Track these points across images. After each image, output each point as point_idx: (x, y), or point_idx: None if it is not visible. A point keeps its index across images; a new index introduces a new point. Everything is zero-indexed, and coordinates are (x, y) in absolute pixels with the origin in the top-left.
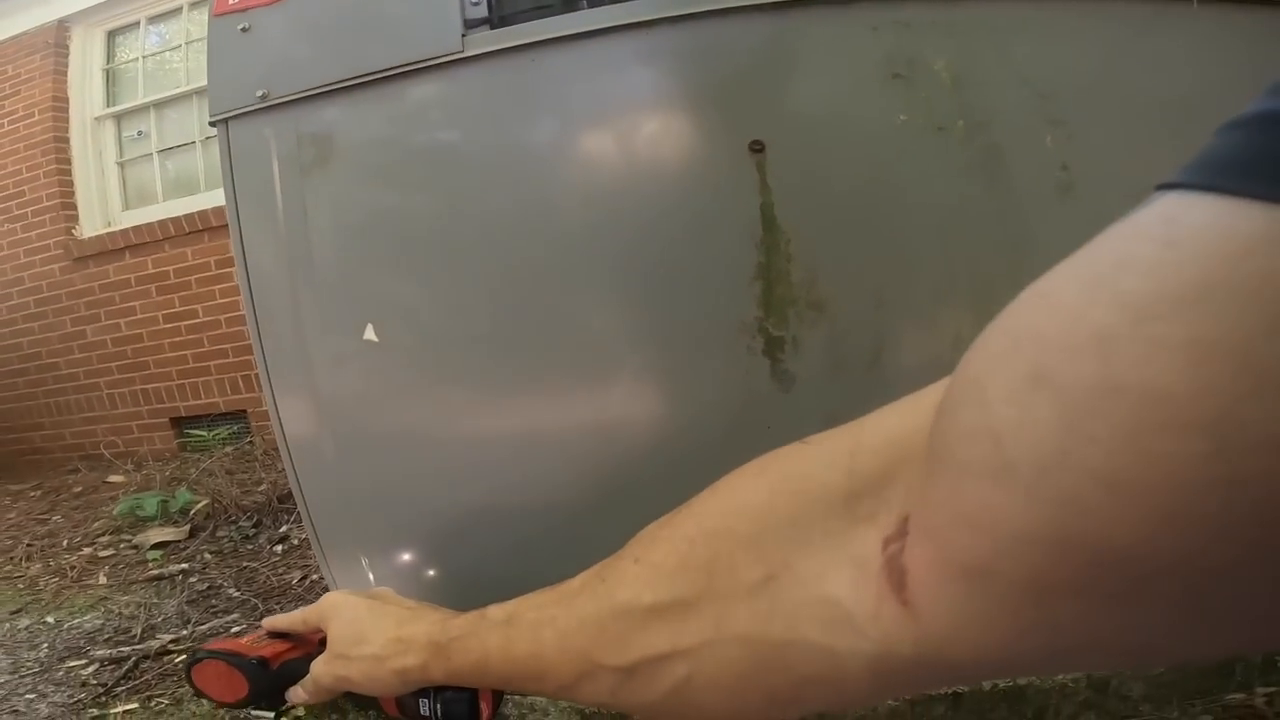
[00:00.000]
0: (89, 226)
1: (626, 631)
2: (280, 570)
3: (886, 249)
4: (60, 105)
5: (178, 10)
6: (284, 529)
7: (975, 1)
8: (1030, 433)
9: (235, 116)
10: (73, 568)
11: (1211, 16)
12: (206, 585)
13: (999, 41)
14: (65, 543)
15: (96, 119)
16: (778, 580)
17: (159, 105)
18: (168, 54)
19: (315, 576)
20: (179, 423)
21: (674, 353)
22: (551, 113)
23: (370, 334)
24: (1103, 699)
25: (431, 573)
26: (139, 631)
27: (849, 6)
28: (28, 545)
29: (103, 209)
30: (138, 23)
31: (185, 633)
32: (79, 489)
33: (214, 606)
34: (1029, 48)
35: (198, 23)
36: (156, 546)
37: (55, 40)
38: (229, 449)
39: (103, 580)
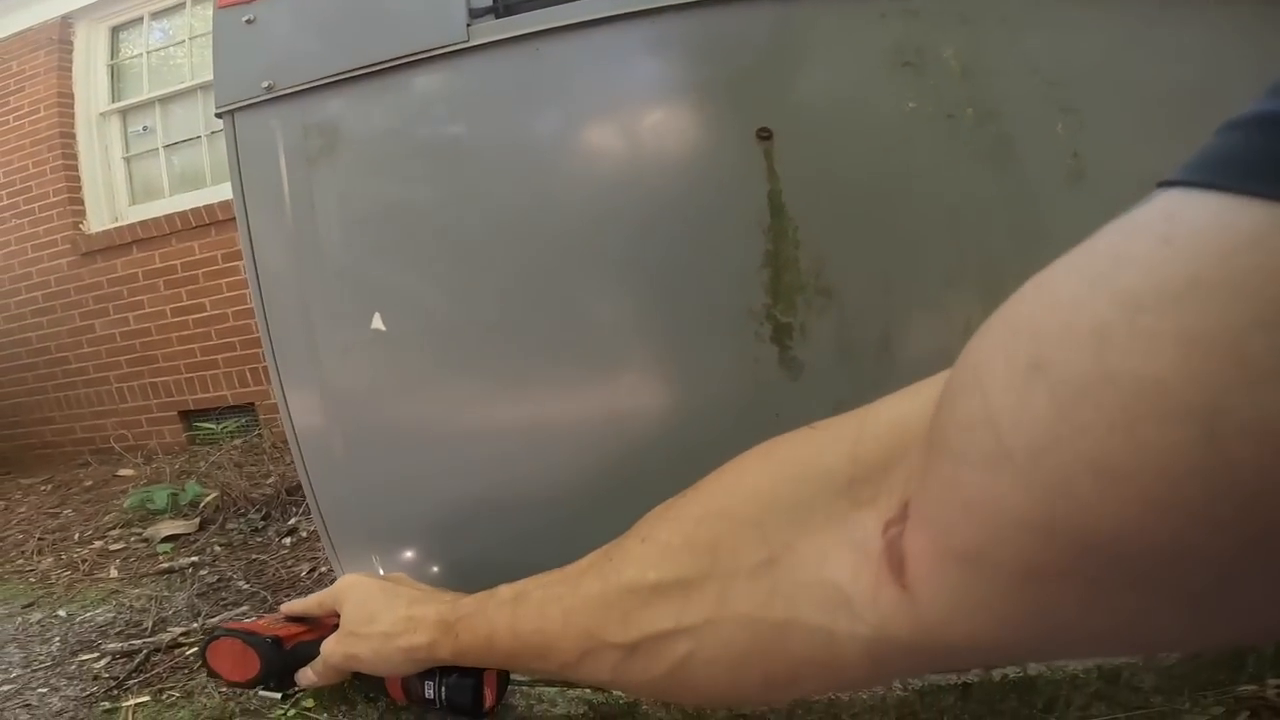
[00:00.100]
0: (96, 221)
1: (630, 609)
2: (289, 563)
3: (895, 236)
4: (65, 101)
5: (181, 5)
6: (292, 521)
7: None
8: (1026, 421)
9: (241, 108)
10: (84, 561)
11: (1221, 7)
12: (216, 578)
13: (1008, 30)
14: (76, 536)
15: (102, 114)
16: (780, 562)
17: (164, 100)
18: (171, 49)
19: (324, 569)
20: (188, 416)
21: (682, 340)
22: (557, 101)
23: (378, 323)
24: (1114, 690)
25: (441, 565)
26: (150, 624)
27: None
28: (39, 539)
29: (110, 204)
30: (141, 18)
31: (195, 625)
32: (89, 483)
33: (224, 599)
34: (1039, 36)
35: (201, 18)
36: (167, 540)
37: (59, 36)
38: (237, 442)
39: (114, 573)
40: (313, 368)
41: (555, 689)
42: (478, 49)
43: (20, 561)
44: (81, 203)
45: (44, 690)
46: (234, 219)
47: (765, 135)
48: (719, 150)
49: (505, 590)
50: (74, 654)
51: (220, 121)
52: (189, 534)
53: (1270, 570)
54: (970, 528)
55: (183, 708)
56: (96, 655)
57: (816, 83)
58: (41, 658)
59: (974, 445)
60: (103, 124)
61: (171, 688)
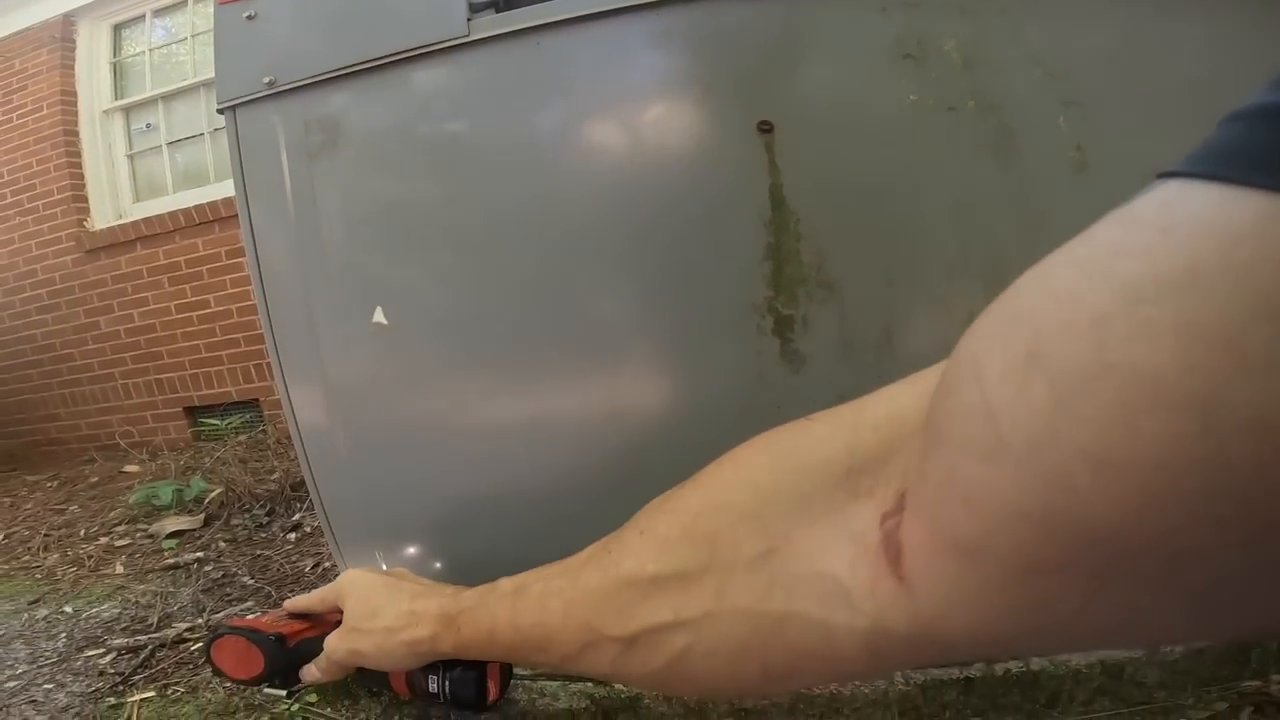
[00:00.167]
0: (100, 219)
1: (630, 601)
2: (294, 558)
3: (897, 228)
4: (69, 99)
5: (182, 3)
6: (297, 517)
7: None
8: (1024, 411)
9: (243, 104)
10: (90, 557)
11: None
12: (221, 573)
13: (1009, 22)
14: (82, 532)
15: (105, 112)
16: (778, 554)
17: (167, 98)
18: (174, 47)
19: (328, 564)
20: (192, 412)
21: (684, 333)
22: (558, 95)
23: (379, 316)
24: (1117, 685)
25: (445, 560)
26: (155, 620)
27: None
28: (45, 535)
29: (114, 201)
30: (143, 16)
31: (200, 621)
32: (95, 479)
33: (229, 595)
34: (1040, 28)
35: (203, 15)
36: (172, 535)
37: (61, 34)
38: (242, 438)
39: (119, 569)
40: (316, 363)
41: (557, 683)
42: (478, 43)
43: (26, 558)
44: (85, 200)
45: (50, 686)
46: (237, 215)
47: (766, 128)
48: (720, 144)
49: (506, 583)
50: (80, 650)
51: (223, 118)
52: (194, 530)
53: (1265, 565)
54: (967, 519)
55: (187, 703)
56: (102, 651)
57: (817, 76)
58: (48, 654)
59: (971, 435)
60: (106, 121)
61: (176, 683)
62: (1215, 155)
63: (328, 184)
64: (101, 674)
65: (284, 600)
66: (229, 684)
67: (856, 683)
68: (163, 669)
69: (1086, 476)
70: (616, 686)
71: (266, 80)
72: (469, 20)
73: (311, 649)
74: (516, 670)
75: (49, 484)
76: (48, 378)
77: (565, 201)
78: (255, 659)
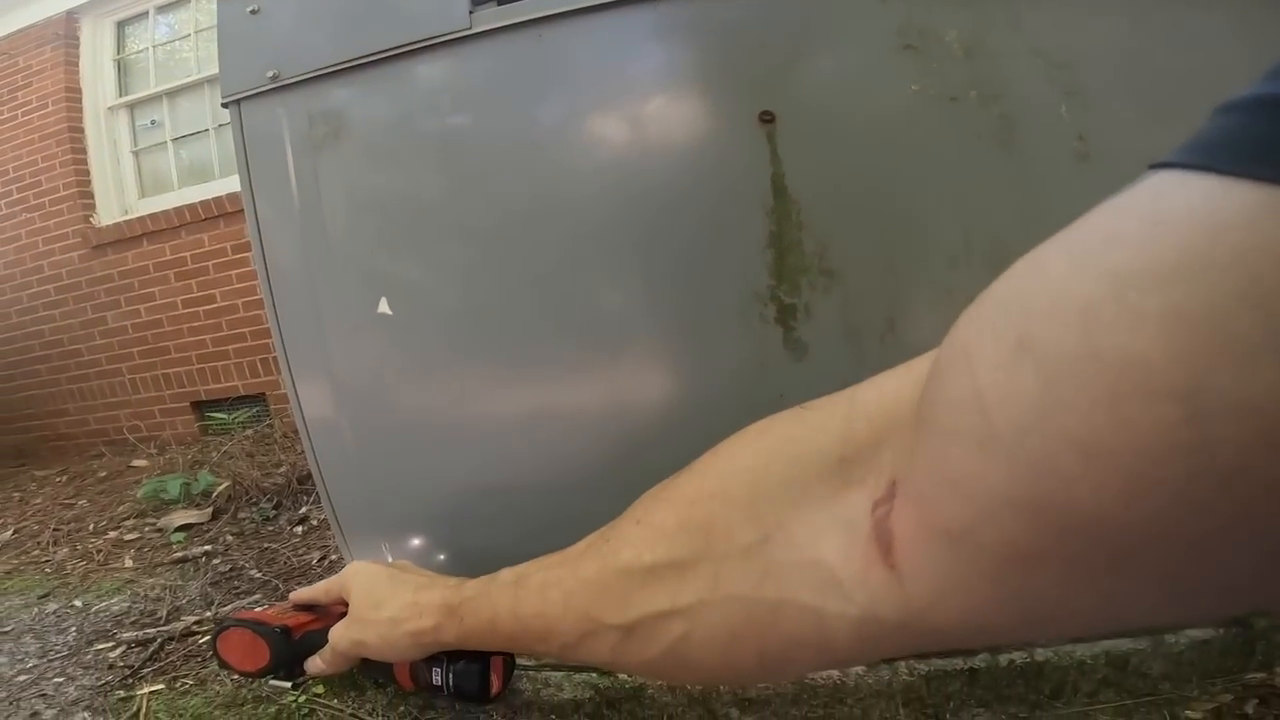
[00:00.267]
0: (106, 214)
1: (627, 590)
2: (300, 551)
3: (899, 218)
4: (73, 96)
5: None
6: (303, 510)
7: None
8: (1012, 398)
9: (247, 97)
10: (99, 551)
11: None
12: (229, 567)
13: (1011, 12)
14: (91, 527)
15: (110, 109)
16: (772, 542)
17: (171, 94)
18: (177, 43)
19: (335, 557)
20: (200, 406)
21: (687, 322)
22: (561, 87)
23: (384, 307)
24: (1121, 676)
25: (451, 551)
26: (164, 613)
27: None
28: (54, 530)
29: (119, 197)
30: (146, 12)
31: (209, 614)
32: (104, 473)
33: (236, 588)
34: (1041, 18)
35: (206, 11)
36: (180, 529)
37: (65, 32)
38: (249, 432)
39: (129, 563)
40: (322, 356)
41: (562, 673)
42: (481, 36)
43: (36, 552)
44: (91, 196)
45: (60, 680)
46: (242, 211)
47: (768, 119)
48: (722, 134)
49: (507, 573)
50: (90, 643)
51: (227, 114)
52: (202, 523)
53: (1246, 552)
54: (956, 506)
55: (196, 695)
56: (112, 644)
57: (819, 67)
58: (58, 647)
59: (961, 423)
60: (111, 118)
61: (185, 676)
62: (1206, 146)
63: (332, 177)
64: (111, 667)
65: (291, 592)
66: (235, 676)
67: (858, 671)
68: (171, 662)
69: (1073, 463)
70: (620, 676)
71: (270, 74)
72: (471, 13)
73: (317, 641)
74: (522, 660)
75: (58, 479)
76: (56, 373)
77: (568, 192)
78: (261, 651)
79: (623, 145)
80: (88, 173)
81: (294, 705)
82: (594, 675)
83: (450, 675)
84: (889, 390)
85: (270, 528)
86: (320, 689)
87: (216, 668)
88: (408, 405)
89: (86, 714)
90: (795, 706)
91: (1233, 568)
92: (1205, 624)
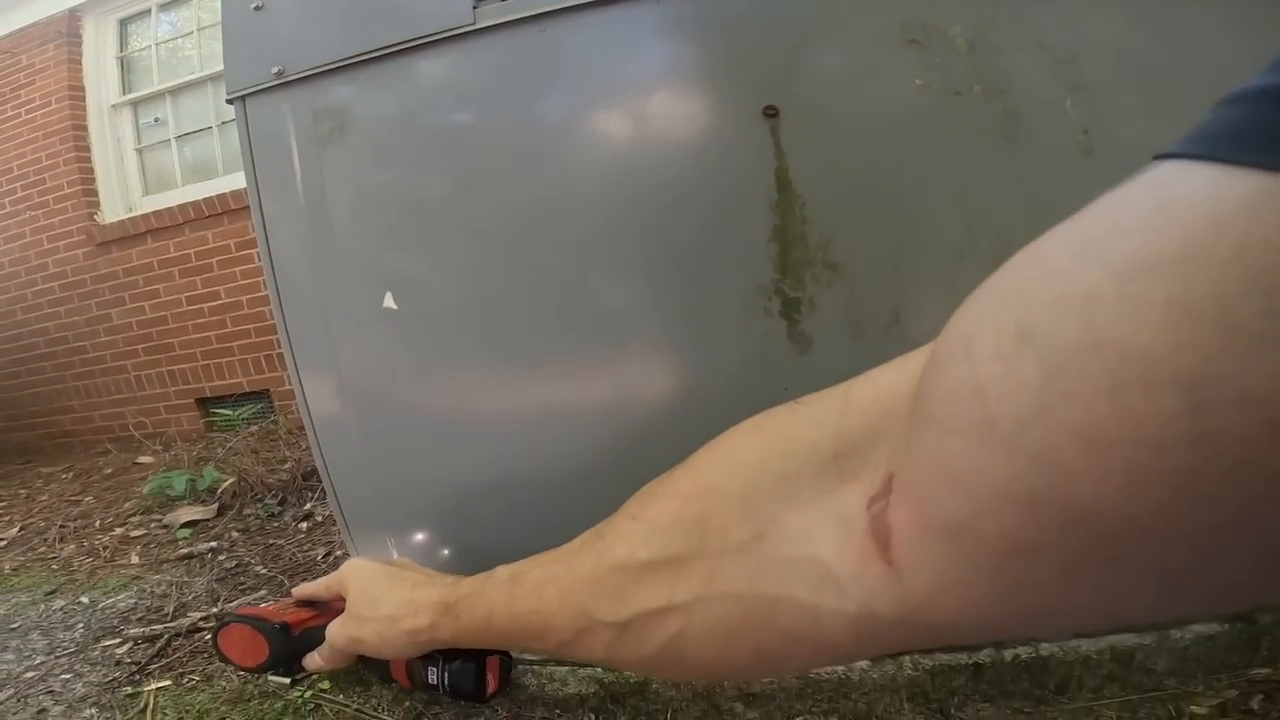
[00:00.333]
0: (110, 212)
1: (623, 587)
2: (306, 547)
3: (903, 212)
4: (77, 94)
5: None
6: (308, 506)
7: None
8: (1013, 388)
9: (252, 94)
10: (105, 548)
11: None
12: (234, 563)
13: (1014, 7)
14: (98, 523)
15: (113, 106)
16: (767, 538)
17: (174, 92)
18: (180, 41)
19: (340, 552)
20: (205, 403)
21: (691, 316)
22: (564, 82)
23: (389, 302)
24: (1127, 671)
25: (456, 546)
26: (171, 610)
27: None
28: (61, 526)
29: (123, 194)
30: (149, 10)
31: (215, 610)
32: (109, 470)
33: (242, 584)
34: (1045, 12)
35: (208, 9)
36: (186, 525)
37: (68, 30)
38: (254, 428)
39: (135, 559)
40: (327, 352)
41: (566, 668)
42: (484, 31)
43: (43, 549)
44: (95, 194)
45: (68, 676)
46: (246, 208)
47: (771, 113)
48: (726, 129)
49: (502, 571)
50: (97, 640)
51: (230, 112)
52: (207, 519)
53: (1248, 546)
54: (954, 500)
55: (203, 691)
56: (119, 641)
57: (822, 61)
58: (65, 644)
59: (960, 414)
60: (114, 116)
61: (192, 672)
62: (1210, 136)
63: (337, 172)
64: (118, 663)
65: (294, 588)
66: (238, 672)
67: (862, 666)
68: (178, 658)
69: (1074, 454)
70: (625, 672)
71: (275, 70)
72: (475, 9)
73: (316, 637)
74: (526, 655)
75: (64, 475)
76: (61, 370)
77: (572, 188)
78: (260, 647)
79: (626, 140)
80: (92, 170)
81: (300, 700)
82: (598, 670)
83: (445, 674)
84: (884, 384)
85: (275, 524)
86: (326, 684)
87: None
88: (414, 401)
89: (94, 710)
90: (799, 701)
91: (1234, 562)
92: (1205, 619)
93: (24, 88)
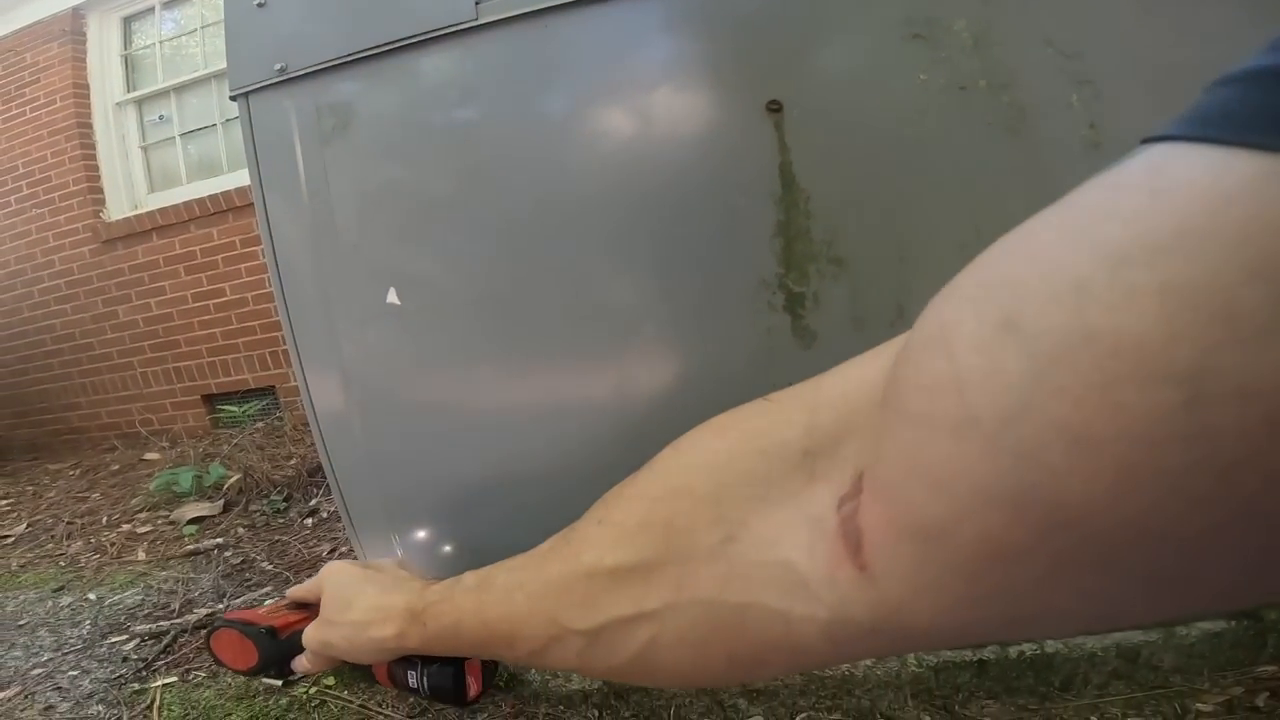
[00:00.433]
0: (116, 209)
1: (591, 594)
2: (311, 543)
3: (908, 207)
4: (81, 92)
5: None
6: (314, 502)
7: None
8: (996, 383)
9: (255, 91)
10: (112, 544)
11: None
12: (240, 559)
13: (1020, 0)
14: (104, 520)
15: (118, 104)
16: (736, 541)
17: (178, 90)
18: (183, 39)
19: (345, 548)
20: (210, 400)
21: (694, 311)
22: (568, 77)
23: (393, 297)
24: (1132, 669)
25: (462, 543)
26: (177, 606)
27: None
28: (68, 523)
29: (129, 192)
30: (152, 8)
31: (221, 606)
32: (116, 467)
33: (248, 580)
34: (1051, 7)
35: (211, 6)
36: (192, 522)
37: (71, 28)
38: (259, 424)
39: (142, 556)
40: (331, 346)
41: None
42: (487, 27)
43: (50, 546)
44: (101, 191)
45: (75, 673)
46: (251, 205)
47: (775, 108)
48: (729, 123)
49: (470, 577)
50: (104, 636)
51: (235, 109)
52: (213, 516)
53: (1243, 549)
54: (929, 500)
55: (209, 688)
56: (126, 637)
57: (826, 55)
58: (72, 641)
59: (937, 409)
60: (119, 114)
61: (198, 668)
62: (1205, 118)
63: (341, 169)
64: (125, 660)
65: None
66: (233, 674)
67: (866, 663)
68: (184, 654)
69: (1061, 453)
70: (601, 679)
71: (278, 67)
72: (478, 4)
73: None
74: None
75: (71, 472)
76: (68, 367)
77: (574, 183)
78: (249, 651)
79: (629, 136)
80: (97, 168)
81: (305, 696)
82: None
83: (425, 677)
84: (855, 377)
85: (281, 520)
86: (330, 680)
87: None
88: (419, 396)
89: (101, 707)
90: (803, 697)
91: (1226, 565)
92: (1197, 620)
93: (29, 86)
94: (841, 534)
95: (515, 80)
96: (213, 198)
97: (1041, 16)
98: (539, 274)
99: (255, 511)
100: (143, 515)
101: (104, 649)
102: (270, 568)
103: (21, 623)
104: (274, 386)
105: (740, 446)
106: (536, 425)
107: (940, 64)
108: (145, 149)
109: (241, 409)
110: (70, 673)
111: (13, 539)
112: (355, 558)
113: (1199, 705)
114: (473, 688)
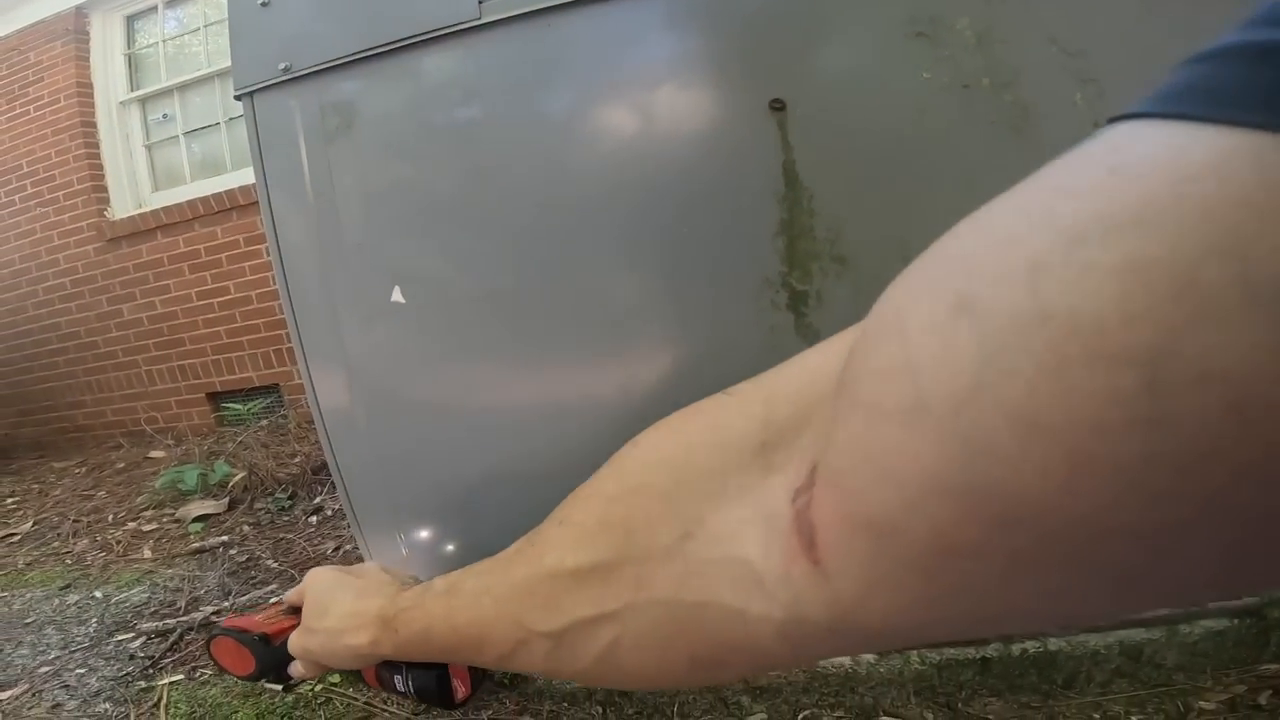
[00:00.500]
0: (120, 208)
1: (554, 596)
2: (315, 541)
3: (911, 204)
4: (85, 91)
5: None
6: (318, 500)
7: None
8: (948, 366)
9: (260, 90)
10: (118, 542)
11: None
12: (246, 557)
13: (1023, 0)
14: (110, 518)
15: (122, 103)
16: (693, 538)
17: (182, 88)
18: (186, 38)
19: (349, 546)
20: (215, 398)
21: (698, 309)
22: (571, 76)
23: (397, 295)
24: (1135, 667)
25: (466, 540)
26: (183, 604)
27: None
28: (74, 521)
29: (133, 191)
30: (155, 7)
31: (227, 604)
32: (121, 465)
33: (253, 578)
34: (1055, 6)
35: (214, 5)
36: (198, 520)
37: (74, 27)
38: (263, 423)
39: (148, 554)
40: (336, 344)
41: None
42: (490, 26)
43: (56, 544)
44: (105, 190)
45: (82, 671)
46: (254, 203)
47: (778, 106)
48: (732, 122)
49: (440, 582)
50: (110, 634)
51: (238, 107)
52: (219, 514)
53: (1209, 546)
54: (880, 491)
55: (215, 685)
56: (132, 635)
57: (829, 54)
58: (79, 639)
59: (889, 395)
60: (123, 112)
61: (204, 666)
62: (1171, 94)
63: (344, 167)
64: (132, 658)
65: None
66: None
67: (869, 659)
68: (191, 652)
69: (1013, 441)
70: (571, 683)
71: (282, 66)
72: (481, 3)
73: None
74: None
75: (77, 470)
76: (73, 365)
77: (578, 181)
78: (247, 657)
79: (632, 134)
80: (101, 167)
81: (310, 694)
82: None
83: (410, 680)
84: (813, 366)
85: (286, 518)
86: (336, 678)
87: None
88: (424, 394)
89: (109, 705)
90: (806, 695)
91: (1193, 563)
92: (1199, 618)
93: (32, 85)
94: (795, 528)
95: (518, 79)
96: (216, 196)
97: (1045, 15)
98: (542, 272)
99: (260, 509)
100: (148, 513)
101: (111, 647)
102: (275, 565)
103: (28, 620)
104: (278, 384)
105: (698, 441)
106: (540, 423)
107: (943, 62)
108: (149, 148)
109: (246, 407)
110: (77, 670)
111: (19, 537)
112: (359, 555)
113: (1201, 703)
114: (460, 690)
